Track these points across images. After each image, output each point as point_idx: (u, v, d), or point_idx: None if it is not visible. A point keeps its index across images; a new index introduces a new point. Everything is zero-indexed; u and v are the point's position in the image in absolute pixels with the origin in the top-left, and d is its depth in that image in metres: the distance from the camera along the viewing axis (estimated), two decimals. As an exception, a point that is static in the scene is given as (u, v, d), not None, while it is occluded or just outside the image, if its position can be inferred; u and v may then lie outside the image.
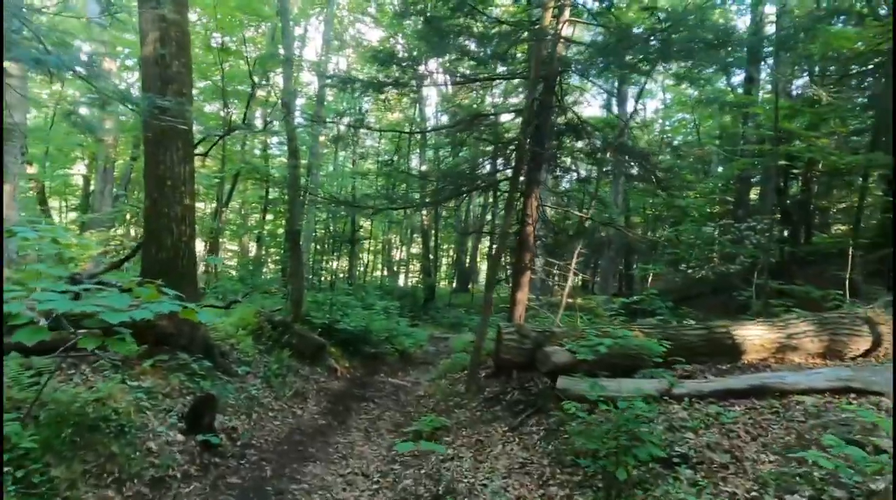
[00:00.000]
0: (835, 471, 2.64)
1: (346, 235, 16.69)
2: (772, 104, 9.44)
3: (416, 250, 23.34)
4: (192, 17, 13.26)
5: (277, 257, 17.45)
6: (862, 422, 3.22)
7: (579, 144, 9.29)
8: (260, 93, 14.46)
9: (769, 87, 13.32)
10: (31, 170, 12.78)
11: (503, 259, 8.52)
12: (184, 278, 5.55)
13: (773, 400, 3.97)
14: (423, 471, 4.20)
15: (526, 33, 7.12)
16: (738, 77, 14.36)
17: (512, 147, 8.62)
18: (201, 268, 14.12)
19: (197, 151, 8.25)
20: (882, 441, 3.01)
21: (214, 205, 15.01)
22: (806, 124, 9.81)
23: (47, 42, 3.88)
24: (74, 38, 5.87)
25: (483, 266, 25.42)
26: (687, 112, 18.53)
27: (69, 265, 9.78)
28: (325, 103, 15.00)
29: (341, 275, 18.40)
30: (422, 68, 9.05)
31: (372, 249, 22.44)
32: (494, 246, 18.35)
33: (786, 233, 12.17)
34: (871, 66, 10.00)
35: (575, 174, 10.09)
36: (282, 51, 10.16)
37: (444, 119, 19.45)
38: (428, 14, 6.96)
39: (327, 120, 11.59)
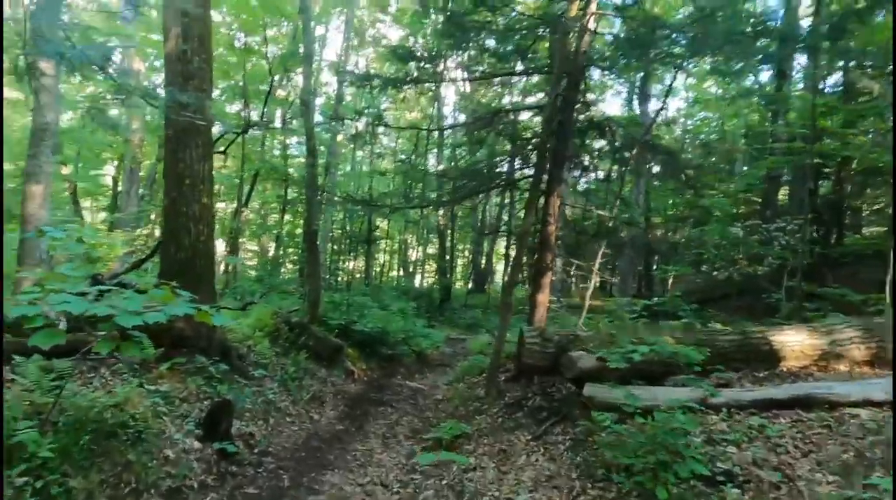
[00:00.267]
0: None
1: (363, 235, 16.64)
2: (805, 100, 9.06)
3: (431, 250, 23.21)
4: (217, 17, 13.39)
5: (295, 257, 17.49)
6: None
7: (599, 143, 9.04)
8: (280, 92, 14.53)
9: (799, 84, 12.85)
10: (66, 170, 13.04)
11: (523, 260, 8.30)
12: (201, 279, 5.48)
13: (822, 412, 3.70)
14: (444, 482, 4.03)
15: (550, 27, 6.90)
16: (765, 74, 13.89)
17: (531, 146, 8.43)
18: (221, 268, 14.21)
19: (216, 150, 8.23)
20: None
21: (235, 205, 15.09)
22: (841, 122, 9.38)
23: (72, 36, 3.84)
24: (102, 36, 5.85)
25: (499, 267, 25.19)
26: (710, 111, 18.04)
27: (96, 265, 9.90)
28: (344, 103, 14.98)
29: (358, 275, 18.36)
30: (440, 66, 8.91)
31: (388, 249, 22.37)
32: (513, 246, 18.16)
33: (816, 234, 11.70)
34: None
35: (597, 173, 9.83)
36: (301, 49, 10.12)
37: (462, 118, 19.28)
38: (450, 9, 6.80)
39: (346, 118, 11.50)
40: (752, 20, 5.49)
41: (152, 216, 13.83)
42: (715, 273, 12.97)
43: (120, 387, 3.97)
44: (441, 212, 18.68)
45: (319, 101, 16.27)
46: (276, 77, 12.17)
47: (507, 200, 19.90)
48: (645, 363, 4.32)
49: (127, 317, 2.60)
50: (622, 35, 6.41)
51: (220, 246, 15.91)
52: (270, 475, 4.02)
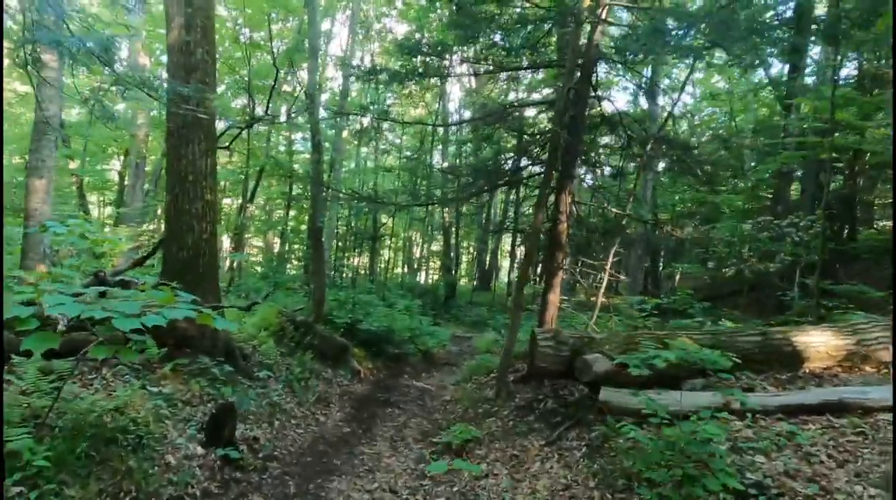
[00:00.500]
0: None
1: (368, 231, 16.51)
2: (822, 93, 8.80)
3: (436, 247, 23.07)
4: (222, 12, 13.24)
5: (300, 254, 17.39)
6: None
7: (607, 139, 8.83)
8: (285, 88, 14.37)
9: (810, 78, 12.57)
10: (73, 165, 12.97)
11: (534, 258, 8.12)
12: (204, 278, 5.36)
13: (855, 418, 3.52)
14: (455, 489, 3.89)
15: (561, 18, 6.70)
16: (774, 69, 13.61)
17: (542, 141, 8.23)
18: (226, 264, 14.11)
19: (220, 145, 8.09)
20: None
21: (240, 201, 14.99)
22: (856, 115, 9.12)
23: (71, 25, 3.71)
24: (104, 26, 5.71)
25: (504, 263, 25.00)
26: (717, 106, 17.72)
27: (101, 261, 9.82)
28: (349, 98, 14.81)
29: (362, 272, 18.24)
30: (446, 61, 8.71)
31: (393, 246, 22.24)
32: (520, 244, 17.97)
33: (829, 229, 11.46)
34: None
35: (608, 169, 9.63)
36: (307, 43, 9.96)
37: (467, 115, 19.07)
38: (459, 1, 6.61)
39: (352, 112, 11.33)
40: (771, 9, 5.26)
41: (158, 212, 13.75)
42: (725, 270, 12.76)
43: (121, 389, 3.84)
44: (446, 209, 18.52)
45: (325, 97, 16.13)
46: (282, 72, 12.01)
47: (512, 197, 19.69)
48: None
49: (124, 320, 2.45)
50: (640, 24, 6.18)
51: (226, 242, 15.83)
52: (276, 481, 3.88)
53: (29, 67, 4.12)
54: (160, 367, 4.47)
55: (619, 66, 7.97)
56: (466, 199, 9.99)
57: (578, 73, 6.82)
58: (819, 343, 4.83)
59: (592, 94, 7.13)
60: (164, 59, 13.98)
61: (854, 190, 11.50)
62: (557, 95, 7.48)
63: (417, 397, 7.13)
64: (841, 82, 11.78)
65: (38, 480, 2.71)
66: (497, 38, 7.71)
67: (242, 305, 6.50)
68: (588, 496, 3.37)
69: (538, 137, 8.01)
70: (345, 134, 16.65)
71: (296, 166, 15.61)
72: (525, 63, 8.49)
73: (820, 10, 10.61)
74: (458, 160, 17.88)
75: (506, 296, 20.15)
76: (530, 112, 11.83)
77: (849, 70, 11.98)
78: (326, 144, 13.46)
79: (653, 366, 3.25)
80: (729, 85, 16.79)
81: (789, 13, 6.32)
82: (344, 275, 16.25)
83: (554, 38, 8.41)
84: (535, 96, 16.01)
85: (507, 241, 23.14)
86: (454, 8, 7.23)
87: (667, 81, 15.90)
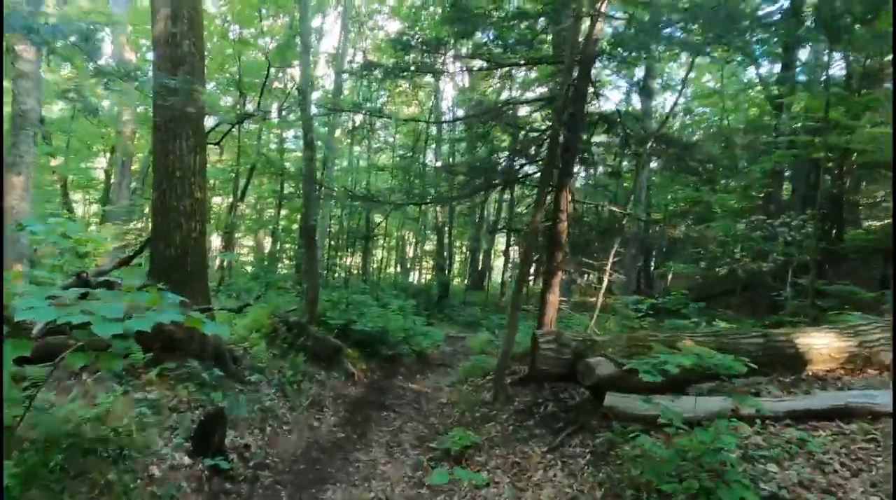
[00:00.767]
0: None
1: (361, 231, 16.30)
2: (817, 92, 8.80)
3: (429, 246, 22.90)
4: (211, 9, 12.96)
5: (292, 253, 17.16)
6: None
7: (604, 137, 8.70)
8: (276, 85, 14.12)
9: (800, 77, 12.55)
10: (55, 162, 12.62)
11: (531, 258, 7.99)
12: (193, 278, 5.17)
13: (865, 424, 3.42)
14: (455, 498, 3.74)
15: (559, 13, 6.57)
16: (763, 68, 13.60)
17: (540, 139, 8.10)
18: (215, 264, 13.83)
19: (210, 142, 7.87)
20: None
21: (230, 199, 14.71)
22: (845, 114, 9.10)
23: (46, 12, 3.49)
24: (85, 17, 5.46)
25: (497, 263, 24.89)
26: (708, 105, 17.74)
27: (85, 261, 9.52)
28: (342, 96, 14.60)
29: (354, 271, 18.04)
30: (440, 58, 8.55)
31: (386, 245, 22.05)
32: (514, 244, 17.86)
33: (819, 229, 11.49)
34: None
35: (603, 167, 9.53)
36: (298, 39, 9.75)
37: (460, 114, 18.90)
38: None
39: (345, 109, 11.12)
40: (770, 2, 5.17)
41: (146, 210, 13.45)
42: (718, 270, 12.74)
43: (103, 396, 3.65)
44: (439, 208, 18.36)
45: (317, 95, 15.90)
46: (272, 70, 11.78)
47: (506, 197, 19.58)
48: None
49: (105, 325, 2.27)
50: (640, 18, 6.06)
51: (216, 241, 15.54)
52: (267, 491, 3.71)
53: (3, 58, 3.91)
54: (145, 372, 4.27)
55: (615, 63, 7.86)
56: (465, 197, 9.83)
57: (577, 70, 6.70)
58: (821, 345, 4.75)
59: (592, 91, 7.01)
60: (151, 56, 13.75)
61: (842, 190, 11.54)
62: (556, 92, 7.37)
63: (413, 399, 6.96)
64: (824, 83, 11.80)
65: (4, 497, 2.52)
66: (492, 34, 7.58)
67: (233, 306, 6.30)
68: (595, 507, 3.24)
69: (536, 134, 7.87)
70: (337, 132, 16.42)
71: (287, 164, 15.37)
72: (521, 60, 8.36)
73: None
74: (450, 159, 17.72)
75: (499, 296, 20.05)
76: (523, 111, 11.71)
77: (835, 70, 11.99)
78: (319, 143, 13.24)
79: (665, 372, 3.11)
80: (720, 84, 16.82)
81: (787, 4, 6.26)
82: (336, 275, 16.04)
83: (550, 37, 8.30)
84: (530, 94, 15.90)
85: (500, 240, 23.04)
86: (449, 4, 7.08)
87: (659, 80, 15.89)
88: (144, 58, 13.93)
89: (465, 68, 12.73)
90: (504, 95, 16.84)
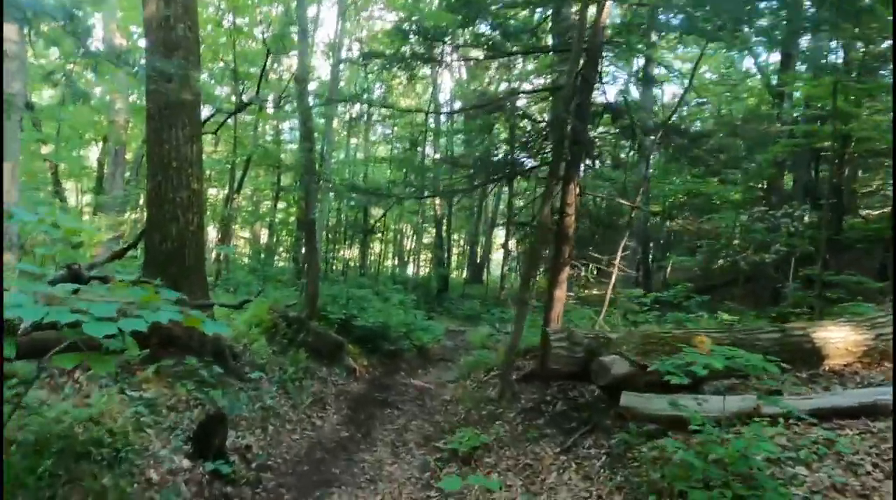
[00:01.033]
0: None
1: (359, 224, 16.10)
2: (822, 81, 8.61)
3: (427, 239, 22.72)
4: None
5: (289, 245, 16.94)
6: None
7: (610, 128, 8.53)
8: (272, 76, 13.82)
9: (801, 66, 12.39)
10: (46, 150, 12.31)
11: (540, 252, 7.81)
12: (191, 271, 4.99)
13: (891, 422, 3.30)
14: (466, 501, 3.60)
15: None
16: (763, 57, 13.45)
17: (541, 131, 7.93)
18: (212, 256, 13.60)
19: (206, 131, 7.63)
20: None
21: (226, 191, 14.43)
22: (846, 102, 8.94)
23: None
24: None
25: (496, 256, 24.75)
26: (708, 95, 17.54)
27: (78, 252, 9.29)
28: (339, 87, 14.33)
29: (352, 265, 17.86)
30: (438, 49, 8.31)
31: (384, 238, 21.86)
32: (514, 237, 17.71)
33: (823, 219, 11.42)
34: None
35: (609, 159, 9.37)
36: (296, 27, 9.48)
37: (458, 106, 18.66)
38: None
39: (343, 99, 10.87)
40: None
41: (140, 201, 13.18)
42: (721, 261, 12.64)
43: (97, 394, 3.47)
44: (438, 201, 18.15)
45: (314, 86, 15.59)
46: (269, 60, 11.50)
47: (505, 189, 19.38)
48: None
49: (97, 325, 2.09)
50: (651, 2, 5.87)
51: (212, 233, 15.28)
52: (270, 494, 3.56)
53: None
54: (142, 369, 4.10)
55: (618, 50, 7.65)
56: (469, 190, 9.64)
57: (584, 58, 6.51)
58: (838, 339, 4.63)
59: (599, 80, 6.83)
60: (143, 43, 13.43)
61: (842, 179, 11.44)
62: (562, 81, 7.16)
63: (416, 396, 6.83)
64: (827, 70, 11.64)
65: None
66: (494, 22, 7.38)
67: (233, 302, 6.11)
68: (615, 512, 3.10)
69: (541, 125, 7.68)
70: (335, 124, 16.16)
71: (284, 156, 15.11)
72: (523, 49, 8.15)
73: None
74: (448, 152, 17.50)
75: (498, 289, 19.92)
76: (521, 103, 11.50)
77: (833, 58, 11.81)
78: (317, 134, 13.01)
79: (692, 374, 2.96)
80: (717, 75, 16.65)
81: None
82: (334, 268, 15.85)
83: (549, 26, 8.10)
84: (527, 86, 15.68)
85: (498, 233, 22.88)
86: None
87: (657, 71, 15.71)
88: (136, 45, 13.60)
89: (464, 58, 12.49)
90: (503, 87, 16.62)
